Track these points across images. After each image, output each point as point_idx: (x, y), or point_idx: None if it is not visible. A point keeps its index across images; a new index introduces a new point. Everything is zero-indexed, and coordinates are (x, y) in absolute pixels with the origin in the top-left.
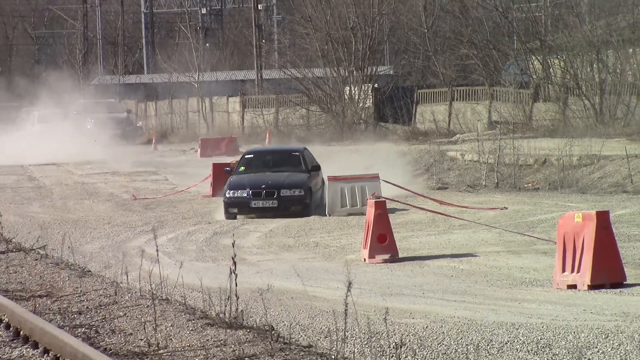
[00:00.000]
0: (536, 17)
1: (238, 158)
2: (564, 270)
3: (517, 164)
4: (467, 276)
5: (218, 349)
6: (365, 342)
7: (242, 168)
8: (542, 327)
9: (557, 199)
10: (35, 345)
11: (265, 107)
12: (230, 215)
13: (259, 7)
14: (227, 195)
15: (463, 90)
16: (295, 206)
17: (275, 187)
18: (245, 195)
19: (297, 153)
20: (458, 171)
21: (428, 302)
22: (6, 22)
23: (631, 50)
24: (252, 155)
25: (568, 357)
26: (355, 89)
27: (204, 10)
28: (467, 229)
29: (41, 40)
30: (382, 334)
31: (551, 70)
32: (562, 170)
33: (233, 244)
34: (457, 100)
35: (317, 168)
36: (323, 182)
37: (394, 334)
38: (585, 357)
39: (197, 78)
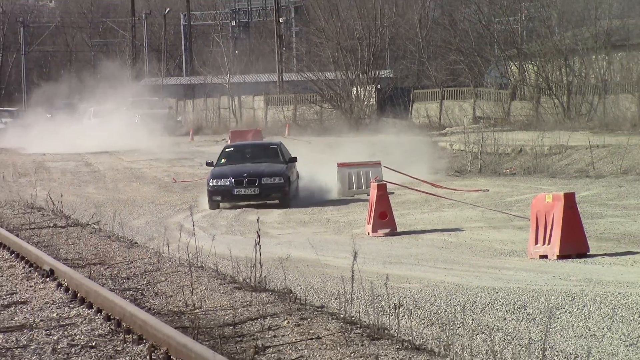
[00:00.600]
0: (513, 29)
1: None
2: (536, 243)
3: (497, 153)
4: (454, 248)
5: (244, 308)
6: (369, 303)
7: (223, 160)
8: (518, 290)
9: (530, 182)
10: (90, 306)
11: (285, 104)
12: (213, 204)
13: (280, 20)
14: (211, 184)
15: (452, 91)
16: (276, 193)
17: (256, 175)
18: (228, 183)
19: (274, 146)
20: (447, 159)
21: (422, 269)
22: (67, 32)
23: (594, 57)
24: (232, 149)
25: (540, 316)
26: (361, 89)
27: (233, 23)
28: (454, 208)
29: (96, 48)
30: (383, 296)
31: (526, 73)
32: (535, 158)
33: (257, 220)
34: (446, 99)
35: (293, 160)
36: (298, 174)
37: (393, 296)
38: (554, 317)
39: (227, 80)
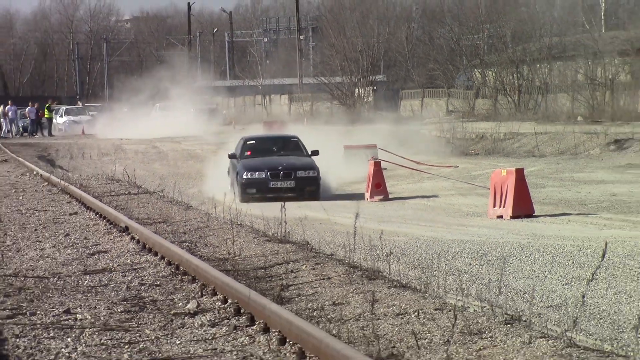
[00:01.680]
0: (477, 44)
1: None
2: (494, 206)
3: (465, 138)
4: (432, 210)
5: (273, 256)
6: (368, 252)
7: (248, 153)
8: (480, 242)
9: (490, 160)
10: (155, 254)
11: (304, 101)
12: (247, 197)
13: (301, 37)
14: (245, 177)
15: (430, 91)
16: (310, 186)
17: (292, 168)
18: (264, 176)
19: (295, 139)
20: (426, 142)
21: (407, 226)
22: (139, 46)
23: (538, 65)
24: (254, 142)
25: (497, 262)
26: (361, 90)
27: (265, 40)
28: (432, 180)
29: (161, 58)
30: (378, 247)
31: (486, 78)
32: (493, 142)
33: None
34: (426, 97)
35: (316, 153)
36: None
37: (386, 247)
38: (508, 262)
39: (260, 83)
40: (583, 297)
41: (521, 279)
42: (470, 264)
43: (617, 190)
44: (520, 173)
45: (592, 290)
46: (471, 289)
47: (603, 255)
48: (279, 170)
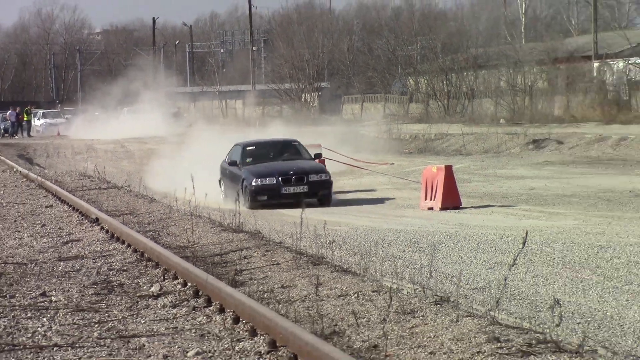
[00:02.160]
0: (411, 54)
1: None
2: (426, 199)
3: (400, 138)
4: (370, 202)
5: (228, 243)
6: (313, 240)
7: (249, 159)
8: (413, 231)
9: (422, 158)
10: (122, 242)
11: (257, 105)
12: (256, 204)
13: (254, 48)
14: (254, 184)
15: (369, 96)
16: (323, 190)
17: (303, 172)
18: (275, 182)
19: (295, 143)
20: (366, 142)
21: (348, 217)
22: (109, 57)
23: (465, 73)
24: (254, 147)
25: (428, 249)
26: (308, 95)
27: (222, 50)
28: (370, 176)
29: (129, 67)
30: (322, 235)
31: (419, 85)
32: (425, 142)
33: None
34: (366, 102)
35: (319, 156)
36: None
37: (329, 236)
38: (437, 249)
39: (218, 89)
40: (505, 280)
41: (449, 264)
42: (404, 251)
43: (535, 184)
44: (449, 169)
45: (512, 274)
46: (405, 273)
47: (524, 243)
48: (290, 175)
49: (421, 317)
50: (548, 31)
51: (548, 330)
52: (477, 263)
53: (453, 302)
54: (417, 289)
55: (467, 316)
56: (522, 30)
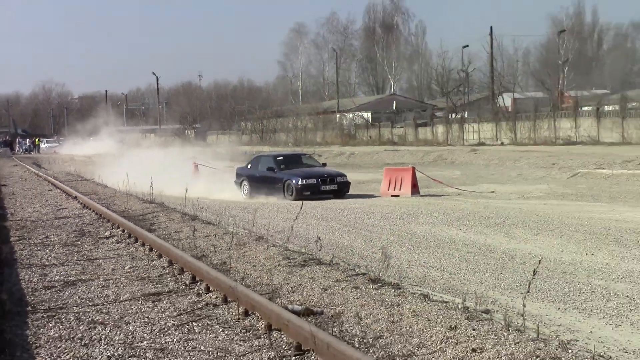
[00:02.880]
0: (242, 110)
1: None
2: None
3: (238, 153)
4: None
5: (146, 209)
6: (192, 207)
7: (282, 166)
8: (245, 203)
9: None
10: (90, 209)
11: (161, 137)
12: (301, 197)
13: (160, 106)
14: (301, 183)
15: (222, 131)
16: (346, 188)
17: (333, 175)
18: (315, 182)
19: (307, 155)
20: (220, 155)
21: (212, 195)
22: (84, 109)
23: (271, 119)
24: (283, 158)
25: (252, 210)
26: (188, 131)
27: (143, 107)
28: (227, 174)
29: (94, 117)
30: (197, 205)
31: (247, 125)
32: (251, 155)
33: (152, 182)
34: (219, 135)
35: (324, 165)
36: None
37: (200, 205)
38: (258, 211)
39: (141, 128)
40: (292, 227)
41: (264, 219)
42: (240, 213)
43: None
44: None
45: (296, 224)
46: (240, 224)
47: (301, 207)
48: (325, 177)
49: (249, 247)
50: (314, 97)
51: (314, 253)
52: (277, 218)
53: (265, 239)
54: (247, 232)
55: (272, 246)
56: (300, 97)
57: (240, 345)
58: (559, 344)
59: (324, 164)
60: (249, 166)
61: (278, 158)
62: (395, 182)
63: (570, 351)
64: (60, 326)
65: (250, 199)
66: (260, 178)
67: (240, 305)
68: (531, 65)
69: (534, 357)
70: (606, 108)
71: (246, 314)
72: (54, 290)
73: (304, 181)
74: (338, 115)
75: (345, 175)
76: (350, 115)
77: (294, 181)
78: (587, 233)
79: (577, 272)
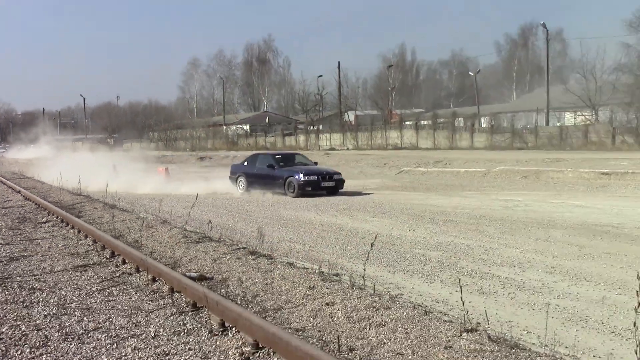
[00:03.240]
0: (151, 123)
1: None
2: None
3: (151, 157)
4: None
5: (76, 200)
6: (111, 199)
7: (282, 163)
8: (155, 194)
9: (159, 164)
10: (30, 200)
11: (87, 144)
12: (302, 193)
13: (86, 120)
14: (303, 179)
15: (135, 140)
16: (341, 185)
17: (331, 173)
18: (317, 178)
19: (300, 154)
20: (135, 158)
21: (133, 190)
22: (26, 123)
23: (173, 131)
24: (280, 156)
25: (158, 200)
26: (109, 140)
27: (73, 121)
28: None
29: (34, 128)
30: (115, 197)
31: (155, 135)
32: (160, 157)
33: (80, 179)
34: (134, 142)
35: (316, 163)
36: None
37: (118, 196)
38: (163, 201)
39: (72, 137)
40: (189, 213)
41: (167, 207)
42: (149, 201)
43: (198, 170)
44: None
45: (193, 211)
46: (149, 211)
47: (196, 198)
48: (325, 174)
49: (156, 228)
50: (206, 114)
51: (206, 233)
52: (178, 207)
53: (169, 222)
54: (154, 217)
55: (174, 228)
56: (195, 113)
57: (149, 304)
58: (390, 297)
59: (316, 163)
60: (246, 163)
61: (277, 156)
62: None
63: (397, 302)
64: (6, 292)
65: (246, 194)
66: (259, 175)
67: (149, 273)
68: (368, 91)
69: (372, 308)
70: (422, 122)
71: (154, 280)
72: (0, 264)
73: (307, 178)
74: (224, 127)
75: (340, 173)
76: (234, 127)
77: (296, 177)
78: (410, 215)
79: (403, 244)
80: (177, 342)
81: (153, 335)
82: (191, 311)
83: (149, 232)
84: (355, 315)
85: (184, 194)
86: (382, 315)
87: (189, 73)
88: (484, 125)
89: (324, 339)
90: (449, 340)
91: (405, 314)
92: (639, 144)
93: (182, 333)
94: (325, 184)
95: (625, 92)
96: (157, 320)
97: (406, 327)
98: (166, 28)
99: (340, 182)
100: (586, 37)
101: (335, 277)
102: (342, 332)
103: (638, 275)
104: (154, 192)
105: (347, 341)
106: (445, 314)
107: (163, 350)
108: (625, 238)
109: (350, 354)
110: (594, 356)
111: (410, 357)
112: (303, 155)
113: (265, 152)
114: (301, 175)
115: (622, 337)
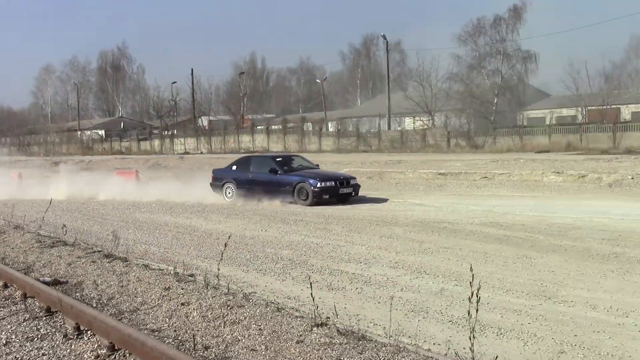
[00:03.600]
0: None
1: None
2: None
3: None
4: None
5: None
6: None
7: (285, 167)
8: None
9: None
10: None
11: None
12: (320, 200)
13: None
14: (318, 186)
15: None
16: (357, 191)
17: (347, 178)
18: (334, 184)
19: (300, 156)
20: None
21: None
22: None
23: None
24: (282, 159)
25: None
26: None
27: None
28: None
29: None
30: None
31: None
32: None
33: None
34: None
35: (317, 166)
36: None
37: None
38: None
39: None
40: (43, 218)
41: (20, 211)
42: (1, 207)
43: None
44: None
45: (47, 215)
46: (1, 216)
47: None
48: (342, 180)
49: (7, 234)
50: (60, 119)
51: (61, 237)
52: (32, 211)
53: (22, 227)
54: (6, 222)
55: (27, 232)
56: (49, 119)
57: (1, 310)
58: (243, 295)
59: (317, 165)
60: (234, 167)
61: (278, 159)
62: (124, 180)
63: (251, 300)
64: None
65: (235, 203)
66: (256, 181)
67: (0, 279)
68: (221, 97)
69: (226, 306)
70: (273, 127)
71: (5, 286)
72: None
73: (323, 184)
74: (79, 133)
75: (355, 178)
76: (89, 132)
77: (310, 182)
78: (262, 215)
79: (256, 244)
80: (30, 348)
81: (4, 342)
82: (45, 316)
83: (1, 238)
84: (210, 314)
85: (37, 199)
86: (236, 313)
87: (42, 78)
88: (331, 129)
89: (179, 338)
90: (301, 335)
91: (258, 311)
92: (470, 147)
93: (36, 339)
94: (344, 190)
95: (457, 99)
96: (8, 327)
97: (259, 324)
98: (16, 33)
99: (358, 188)
100: (422, 48)
101: (190, 278)
102: (198, 331)
103: (471, 267)
104: (6, 198)
105: (203, 340)
106: (297, 310)
107: (15, 357)
108: (460, 233)
109: (205, 352)
110: (433, 343)
111: (263, 352)
112: (302, 157)
113: (260, 154)
114: (317, 181)
115: (459, 324)
